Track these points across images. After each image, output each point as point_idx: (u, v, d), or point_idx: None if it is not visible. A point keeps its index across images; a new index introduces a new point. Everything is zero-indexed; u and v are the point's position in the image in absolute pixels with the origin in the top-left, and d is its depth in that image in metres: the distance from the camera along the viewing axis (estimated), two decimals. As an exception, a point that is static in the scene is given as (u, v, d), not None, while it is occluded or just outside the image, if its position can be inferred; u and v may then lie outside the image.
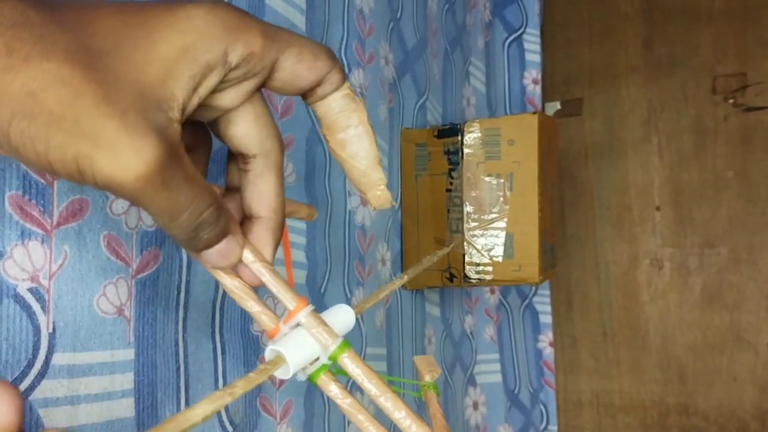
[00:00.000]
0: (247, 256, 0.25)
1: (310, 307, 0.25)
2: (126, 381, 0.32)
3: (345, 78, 0.26)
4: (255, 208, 0.26)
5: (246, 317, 0.41)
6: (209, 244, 0.24)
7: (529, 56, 0.91)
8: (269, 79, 0.25)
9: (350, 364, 0.25)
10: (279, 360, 0.24)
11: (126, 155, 0.19)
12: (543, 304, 0.92)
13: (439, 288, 0.71)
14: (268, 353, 0.24)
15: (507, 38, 0.92)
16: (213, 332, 0.38)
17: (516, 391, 0.85)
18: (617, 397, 0.89)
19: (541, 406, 0.90)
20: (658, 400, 0.87)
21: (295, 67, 0.24)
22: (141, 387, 0.33)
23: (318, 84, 0.26)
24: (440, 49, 0.76)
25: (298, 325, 0.25)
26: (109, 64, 0.20)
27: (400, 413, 0.24)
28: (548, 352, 0.91)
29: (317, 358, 0.25)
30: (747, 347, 0.82)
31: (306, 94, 0.26)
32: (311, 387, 0.46)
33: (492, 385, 0.82)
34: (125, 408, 0.32)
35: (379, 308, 0.58)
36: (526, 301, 0.91)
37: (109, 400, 0.31)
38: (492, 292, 0.84)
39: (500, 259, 0.62)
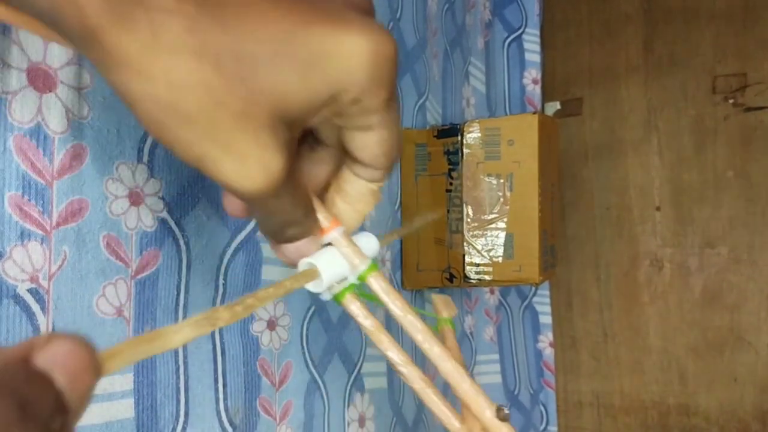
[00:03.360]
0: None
1: (342, 228, 0.27)
2: (125, 382, 0.32)
3: (385, 179, 0.27)
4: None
5: (245, 318, 0.41)
6: (291, 240, 0.26)
7: (528, 56, 0.91)
8: (349, 128, 0.24)
9: (377, 283, 0.26)
10: (312, 272, 0.25)
11: (252, 169, 0.21)
12: (543, 304, 0.92)
13: (438, 288, 0.71)
14: (302, 265, 0.26)
15: (507, 38, 0.92)
16: (212, 333, 0.38)
17: (516, 392, 0.85)
18: (617, 397, 0.89)
19: (541, 407, 0.90)
20: (658, 400, 0.87)
21: (371, 144, 0.25)
22: (140, 388, 0.33)
23: (364, 165, 0.26)
24: (440, 49, 0.75)
25: (329, 244, 0.26)
26: (258, 74, 0.20)
27: (420, 335, 0.26)
28: (548, 352, 0.91)
29: (344, 279, 0.26)
30: (747, 348, 0.82)
31: (348, 156, 0.26)
32: (311, 387, 0.46)
33: (492, 386, 0.82)
34: (125, 409, 0.32)
35: (378, 309, 0.58)
36: (526, 302, 0.91)
37: (109, 401, 0.31)
38: (492, 292, 0.84)
39: (500, 260, 0.61)
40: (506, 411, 0.25)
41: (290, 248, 0.26)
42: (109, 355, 0.16)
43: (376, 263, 0.27)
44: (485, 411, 0.25)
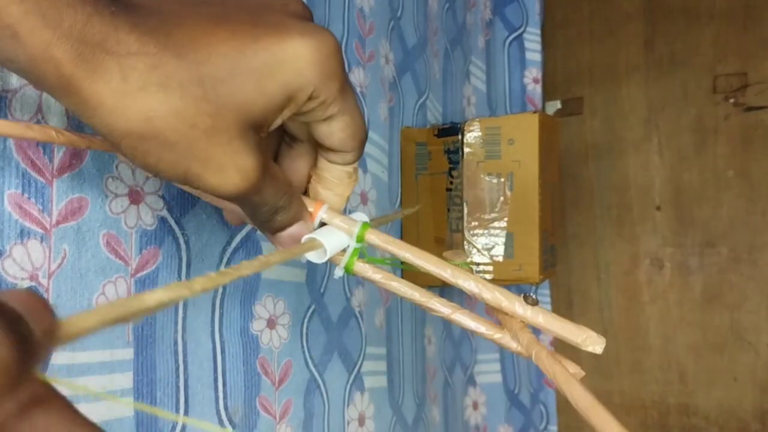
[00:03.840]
0: None
1: (327, 205, 0.29)
2: (125, 380, 0.32)
3: (357, 159, 0.29)
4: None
5: (245, 316, 0.41)
6: (282, 227, 0.28)
7: (529, 55, 0.91)
8: (312, 122, 0.27)
9: (376, 237, 0.28)
10: (313, 243, 0.27)
11: (231, 175, 0.23)
12: (543, 303, 0.92)
13: (439, 288, 0.71)
14: (304, 241, 0.28)
15: (507, 37, 0.91)
16: (212, 331, 0.38)
17: (516, 391, 0.85)
18: (617, 396, 0.89)
19: (541, 406, 0.90)
20: (658, 400, 0.87)
21: (336, 131, 0.27)
22: (140, 386, 0.33)
23: (335, 151, 0.28)
24: (440, 48, 0.75)
25: (321, 224, 0.29)
26: (221, 92, 0.22)
27: (432, 264, 0.28)
28: (548, 351, 0.91)
29: (345, 249, 0.28)
30: (747, 347, 0.82)
31: (321, 146, 0.29)
32: (311, 386, 0.46)
33: (492, 385, 0.82)
34: (124, 407, 0.32)
35: (378, 308, 0.58)
36: (527, 301, 0.91)
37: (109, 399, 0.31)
38: (492, 291, 0.84)
39: (500, 259, 0.61)
40: (533, 296, 0.26)
41: (285, 236, 0.28)
42: (86, 315, 0.16)
43: (368, 222, 0.29)
44: (516, 307, 0.26)
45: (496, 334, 0.28)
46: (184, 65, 0.21)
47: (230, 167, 0.23)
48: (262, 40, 0.23)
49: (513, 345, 0.27)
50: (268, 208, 0.26)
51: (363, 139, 0.28)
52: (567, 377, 0.23)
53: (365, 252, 0.29)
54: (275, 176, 0.26)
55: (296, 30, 0.23)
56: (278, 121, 0.25)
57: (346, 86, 0.26)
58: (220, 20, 0.23)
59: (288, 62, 0.23)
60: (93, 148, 0.28)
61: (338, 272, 0.29)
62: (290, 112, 0.25)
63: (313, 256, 0.28)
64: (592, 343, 0.25)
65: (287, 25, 0.24)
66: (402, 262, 0.29)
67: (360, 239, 0.28)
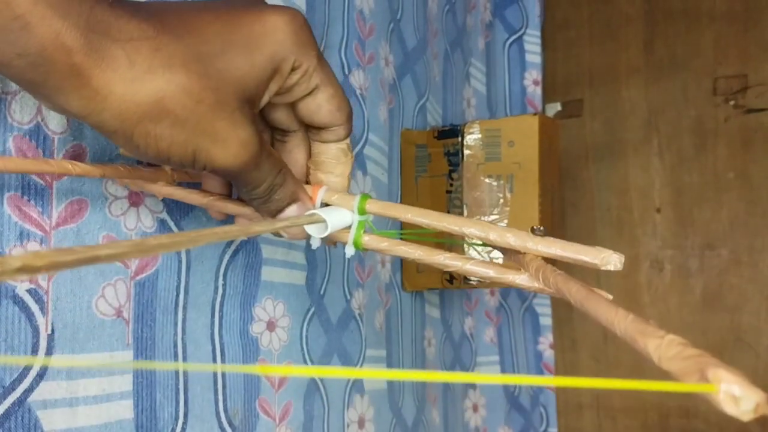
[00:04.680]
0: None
1: (326, 187, 0.30)
2: (125, 383, 0.32)
3: (349, 134, 0.30)
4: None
5: (245, 318, 0.41)
6: (281, 207, 0.29)
7: (529, 57, 0.91)
8: (298, 101, 0.28)
9: (376, 206, 0.29)
10: (315, 216, 0.28)
11: (235, 148, 0.24)
12: (543, 306, 0.92)
13: (438, 290, 0.70)
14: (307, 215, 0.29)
15: (507, 39, 0.91)
16: (212, 334, 0.38)
17: (516, 393, 0.85)
18: (617, 399, 0.89)
19: (541, 409, 0.90)
20: (658, 402, 0.87)
21: (323, 104, 0.28)
22: (140, 389, 0.33)
23: (326, 128, 0.29)
24: (440, 50, 0.75)
25: (323, 206, 0.30)
26: (218, 67, 0.24)
27: (432, 216, 0.28)
28: (548, 354, 0.91)
29: (348, 227, 0.29)
30: (747, 349, 0.82)
31: (311, 130, 0.30)
32: (310, 389, 0.46)
33: (492, 387, 0.82)
34: (124, 410, 0.32)
35: (378, 310, 0.58)
36: (526, 303, 0.91)
37: (108, 401, 0.31)
38: (492, 293, 0.84)
39: (500, 261, 0.61)
40: (540, 228, 0.26)
41: (285, 218, 0.29)
42: None
43: (366, 194, 0.30)
44: (528, 243, 0.26)
45: (510, 275, 0.27)
46: (182, 45, 0.23)
47: (233, 140, 0.24)
48: (242, 18, 0.25)
49: (531, 283, 0.26)
50: (266, 185, 0.27)
51: (349, 112, 0.30)
52: (565, 278, 0.22)
53: (372, 225, 0.30)
54: (271, 152, 0.27)
55: (267, 8, 0.26)
56: (266, 98, 0.26)
57: (322, 57, 0.27)
58: (201, 7, 0.25)
59: (269, 35, 0.25)
60: (106, 176, 0.29)
61: (349, 250, 0.30)
62: (277, 86, 0.26)
63: (314, 230, 0.29)
64: (612, 261, 0.23)
65: (258, 5, 0.26)
66: (402, 235, 0.30)
67: (362, 211, 0.29)
